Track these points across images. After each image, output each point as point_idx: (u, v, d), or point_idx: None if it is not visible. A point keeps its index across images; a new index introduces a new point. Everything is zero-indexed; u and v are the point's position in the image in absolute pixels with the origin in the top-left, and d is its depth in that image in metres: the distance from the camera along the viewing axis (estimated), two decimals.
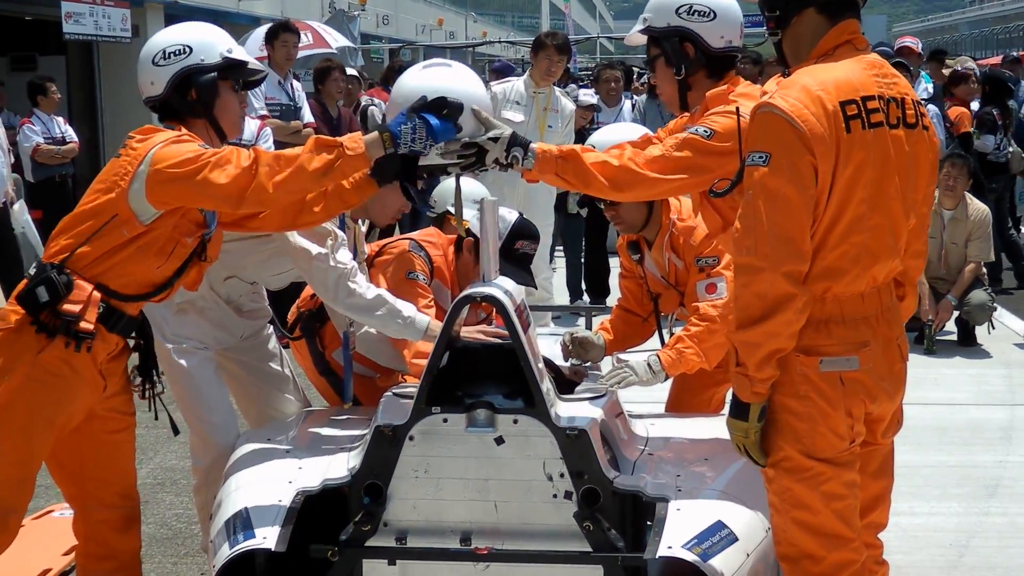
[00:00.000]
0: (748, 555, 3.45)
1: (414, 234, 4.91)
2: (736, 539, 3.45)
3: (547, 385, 3.64)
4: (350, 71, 12.03)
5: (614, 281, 5.51)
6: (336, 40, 17.12)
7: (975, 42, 68.93)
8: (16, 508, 3.77)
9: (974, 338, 8.92)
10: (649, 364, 4.39)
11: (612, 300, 5.53)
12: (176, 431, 4.17)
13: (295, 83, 9.70)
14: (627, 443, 3.93)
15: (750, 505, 3.58)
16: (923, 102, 3.91)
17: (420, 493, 3.59)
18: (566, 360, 4.60)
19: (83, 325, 3.65)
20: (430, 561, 3.59)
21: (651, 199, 4.55)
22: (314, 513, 3.66)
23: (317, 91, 10.27)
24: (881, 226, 3.19)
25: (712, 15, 3.94)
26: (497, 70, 14.00)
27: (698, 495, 3.62)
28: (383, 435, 3.60)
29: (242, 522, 3.59)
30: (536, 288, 5.56)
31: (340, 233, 4.31)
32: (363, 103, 12.33)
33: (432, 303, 4.52)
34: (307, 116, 9.60)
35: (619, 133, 4.80)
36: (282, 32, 9.62)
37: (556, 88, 9.09)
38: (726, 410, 3.34)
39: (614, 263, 5.86)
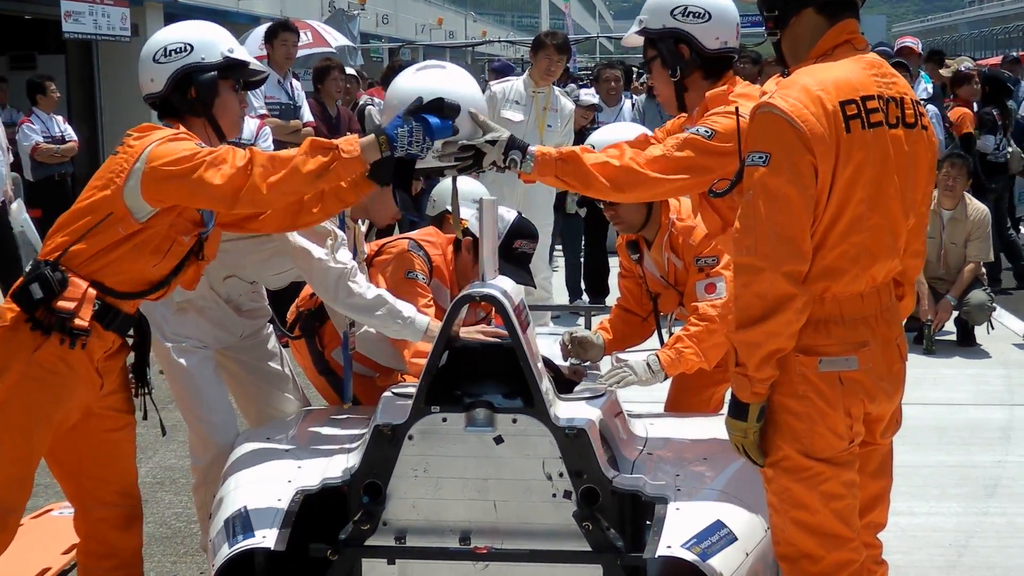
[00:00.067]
0: (747, 554, 3.45)
1: (413, 233, 4.91)
2: (735, 539, 3.45)
3: (546, 385, 3.64)
4: (349, 70, 12.04)
5: (613, 281, 5.52)
6: (336, 39, 17.13)
7: (974, 42, 68.94)
8: (15, 507, 3.77)
9: (973, 338, 8.92)
10: (648, 364, 4.39)
11: (611, 300, 5.53)
12: (164, 431, 4.15)
13: (294, 82, 9.70)
14: (626, 443, 3.93)
15: (749, 505, 3.58)
16: (922, 102, 3.91)
17: (419, 492, 3.59)
18: (565, 360, 4.60)
19: (78, 322, 3.64)
20: (429, 560, 3.59)
21: (652, 200, 4.55)
22: (313, 512, 3.66)
23: (316, 90, 10.26)
24: (880, 226, 3.19)
25: (707, 16, 3.94)
26: (497, 70, 13.99)
27: (697, 495, 3.62)
28: (382, 434, 3.60)
29: (241, 521, 3.59)
30: (535, 287, 5.56)
31: (340, 233, 4.31)
32: (362, 102, 12.33)
33: (431, 302, 4.52)
34: (307, 115, 9.59)
35: (618, 133, 4.80)
36: (281, 31, 9.62)
37: (555, 88, 9.08)
38: (725, 410, 3.34)
39: (613, 263, 5.86)
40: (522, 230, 4.76)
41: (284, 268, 4.42)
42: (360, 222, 4.66)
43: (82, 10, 16.24)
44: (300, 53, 10.91)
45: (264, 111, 9.10)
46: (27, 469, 3.76)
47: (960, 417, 7.05)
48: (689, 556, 3.35)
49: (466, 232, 4.68)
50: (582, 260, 10.43)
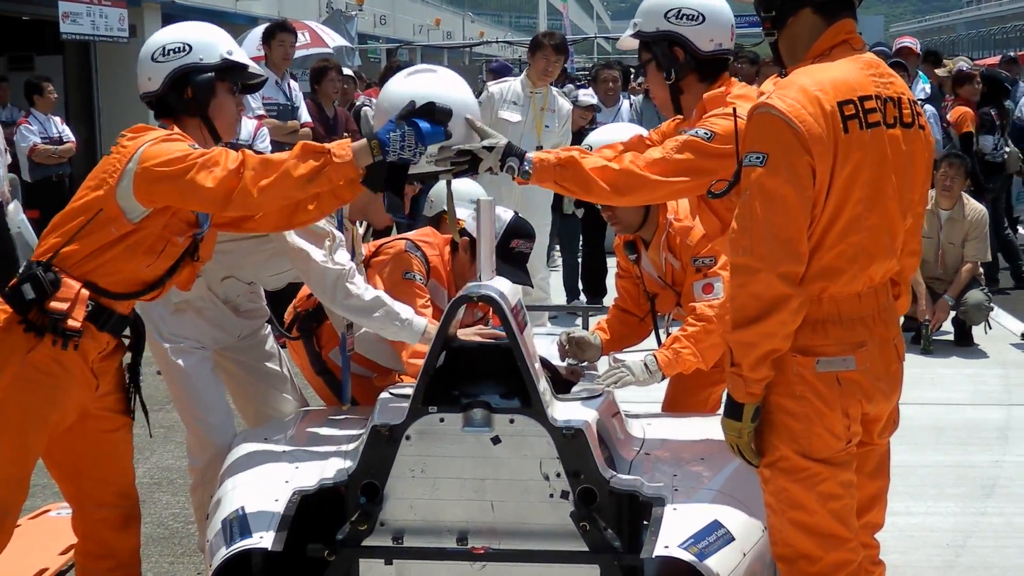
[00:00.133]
0: (744, 555, 3.45)
1: (410, 234, 4.91)
2: (733, 539, 3.45)
3: (544, 385, 3.64)
4: (347, 71, 12.04)
5: (611, 281, 5.52)
6: (333, 40, 17.12)
7: (972, 42, 68.94)
8: (11, 509, 3.77)
9: (971, 338, 8.92)
10: (646, 364, 4.39)
11: (609, 300, 5.54)
12: (151, 433, 4.13)
13: (292, 83, 9.69)
14: (624, 443, 3.93)
15: (747, 505, 3.58)
16: (920, 102, 3.92)
17: (417, 493, 3.59)
18: (563, 360, 4.60)
19: (71, 323, 3.64)
20: (427, 561, 3.59)
21: (652, 203, 4.55)
22: (311, 513, 3.66)
23: (313, 91, 10.26)
24: (878, 226, 3.19)
25: (701, 19, 3.94)
26: (495, 70, 14.01)
27: (695, 495, 3.62)
28: (380, 435, 3.60)
29: (239, 522, 3.59)
30: (533, 287, 5.57)
31: (338, 234, 4.31)
32: (359, 103, 12.33)
33: (429, 303, 4.52)
34: (304, 116, 9.59)
35: (616, 133, 4.80)
36: (279, 32, 9.61)
37: (553, 88, 9.09)
38: (723, 410, 3.34)
39: (611, 263, 5.86)
40: (519, 230, 4.76)
41: (282, 269, 4.42)
42: (358, 224, 4.66)
43: (80, 11, 16.25)
44: (298, 54, 10.91)
45: (262, 112, 9.09)
46: (23, 470, 3.76)
47: (958, 417, 7.05)
48: (686, 556, 3.35)
49: (463, 232, 4.68)
50: (580, 260, 10.43)
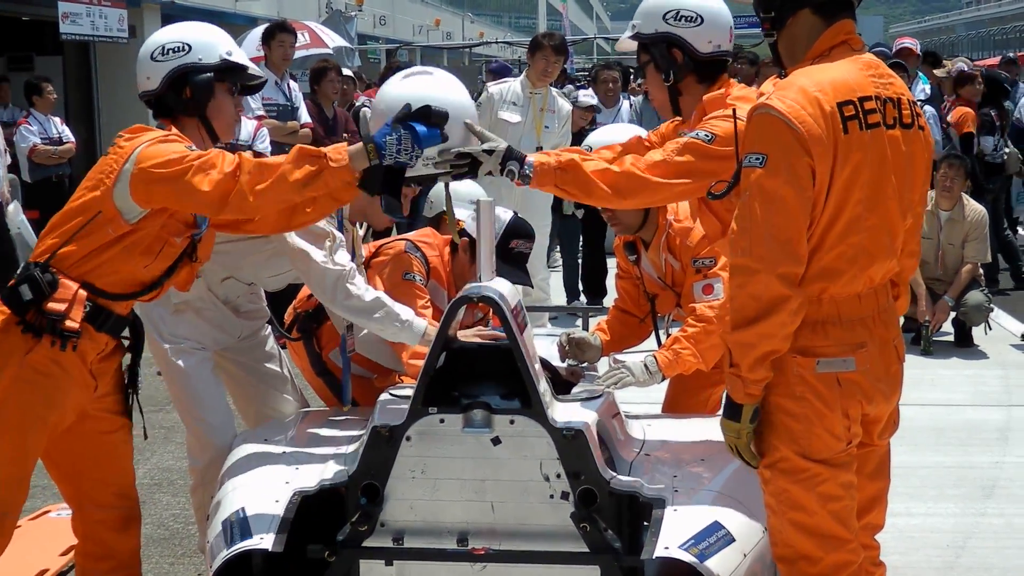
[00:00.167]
0: (745, 555, 3.45)
1: (410, 235, 4.91)
2: (733, 540, 3.45)
3: (544, 386, 3.64)
4: (347, 71, 12.04)
5: (611, 282, 5.51)
6: (333, 40, 17.12)
7: (972, 43, 68.92)
8: (11, 510, 3.76)
9: (971, 339, 8.92)
10: (646, 365, 4.39)
11: (609, 301, 5.53)
12: (145, 435, 4.12)
13: (292, 83, 9.69)
14: (624, 444, 3.93)
15: (747, 506, 3.58)
16: (920, 103, 3.92)
17: (417, 494, 3.59)
18: (563, 361, 4.60)
19: (68, 324, 3.63)
20: (427, 561, 3.59)
21: (653, 205, 4.54)
22: (311, 514, 3.66)
23: (313, 91, 10.26)
24: (878, 226, 3.19)
25: (699, 20, 3.94)
26: (495, 71, 14.02)
27: (695, 496, 3.62)
28: (380, 436, 3.60)
29: (239, 522, 3.59)
30: (532, 287, 5.57)
31: (338, 234, 4.31)
32: (359, 104, 12.33)
33: (429, 304, 4.52)
34: (304, 116, 9.59)
35: (616, 134, 4.80)
36: (279, 32, 9.61)
37: (553, 89, 9.09)
38: (722, 410, 3.34)
39: (611, 264, 5.86)
40: (518, 230, 4.75)
41: (282, 270, 4.42)
42: (358, 225, 4.66)
43: (79, 11, 16.26)
44: (297, 54, 10.92)
45: (261, 112, 9.09)
46: (23, 471, 3.75)
47: (958, 418, 7.05)
48: (687, 557, 3.35)
49: (463, 233, 4.68)
50: (580, 261, 10.43)
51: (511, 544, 3.56)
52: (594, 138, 5.02)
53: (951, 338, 8.98)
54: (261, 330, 4.63)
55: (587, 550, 3.51)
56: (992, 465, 6.20)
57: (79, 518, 4.01)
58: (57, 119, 12.38)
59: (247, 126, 8.63)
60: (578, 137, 8.71)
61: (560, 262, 10.77)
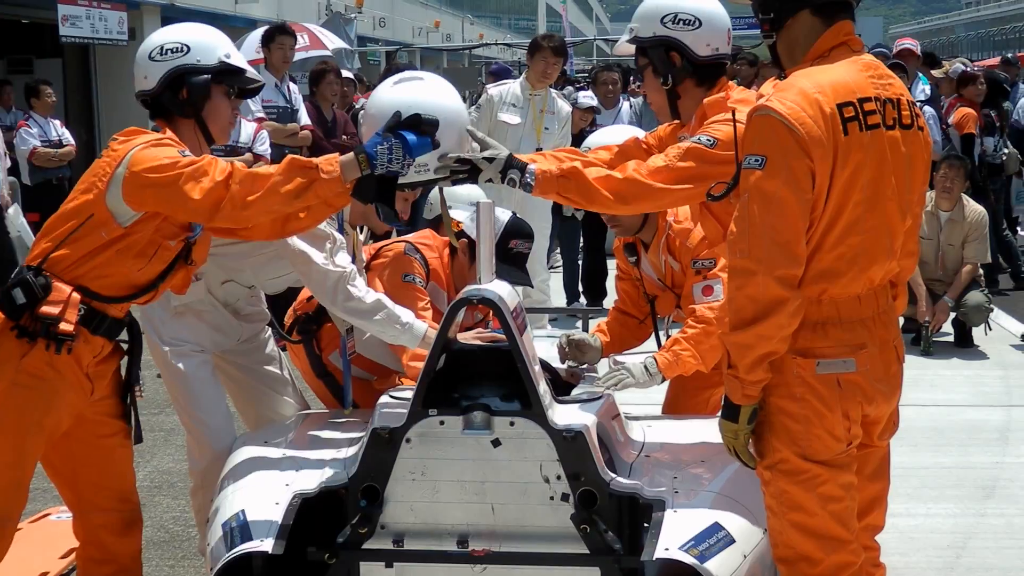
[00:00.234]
0: (745, 557, 3.45)
1: (409, 236, 4.91)
2: (733, 541, 3.45)
3: (544, 387, 3.64)
4: (346, 74, 12.05)
5: (611, 283, 5.52)
6: (332, 42, 17.12)
7: (971, 44, 68.96)
8: (11, 516, 3.76)
9: (971, 339, 8.92)
10: (646, 366, 4.39)
11: (609, 302, 5.53)
12: (140, 439, 4.11)
13: (292, 85, 9.70)
14: (624, 445, 3.93)
15: (747, 507, 3.58)
16: (920, 103, 3.92)
17: (417, 495, 3.59)
18: (563, 362, 4.60)
19: (63, 327, 3.62)
20: (427, 563, 3.59)
21: (656, 210, 4.54)
22: (311, 516, 3.66)
23: (312, 93, 10.26)
24: (878, 227, 3.19)
25: (697, 24, 3.93)
26: (495, 73, 14.01)
27: (695, 497, 3.62)
28: (380, 438, 3.60)
29: (239, 525, 3.59)
30: (532, 286, 5.57)
31: (339, 236, 4.30)
32: (359, 106, 12.32)
33: (429, 305, 4.52)
34: (304, 118, 9.59)
35: (615, 136, 4.80)
36: (278, 35, 9.61)
37: (552, 90, 9.09)
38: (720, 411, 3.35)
39: (611, 265, 5.86)
40: (517, 230, 4.75)
41: (282, 272, 4.42)
42: (358, 229, 4.66)
43: (79, 14, 16.27)
44: (297, 56, 10.92)
45: (261, 114, 9.10)
46: (21, 476, 3.74)
47: (958, 418, 7.05)
48: (687, 558, 3.35)
49: (461, 235, 4.68)
50: (580, 263, 10.43)
51: (511, 546, 3.56)
52: (593, 140, 5.02)
53: (951, 339, 8.98)
54: (261, 333, 4.63)
55: (587, 551, 3.51)
56: (992, 465, 6.20)
57: (80, 522, 4.00)
58: (57, 122, 12.39)
59: (247, 128, 8.63)
60: (578, 139, 8.71)
61: (560, 264, 10.77)
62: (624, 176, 3.74)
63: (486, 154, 3.80)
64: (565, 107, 9.09)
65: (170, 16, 18.68)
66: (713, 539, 3.43)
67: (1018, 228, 12.93)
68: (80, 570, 4.07)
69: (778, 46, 3.37)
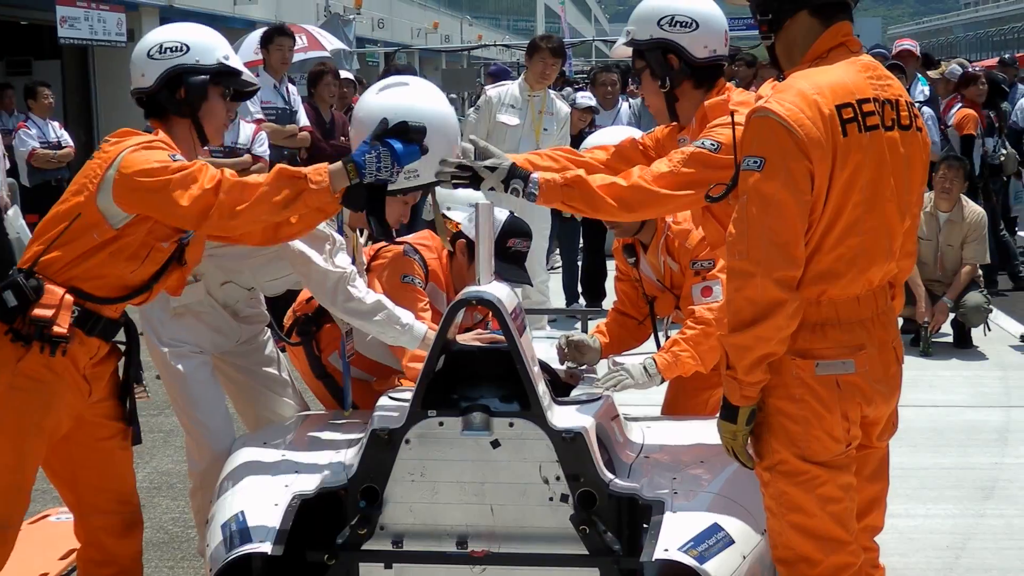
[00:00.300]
0: (744, 557, 3.45)
1: (409, 237, 4.91)
2: (732, 541, 3.45)
3: (543, 388, 3.64)
4: (345, 75, 12.05)
5: (610, 284, 5.52)
6: (331, 43, 17.11)
7: (970, 44, 68.98)
8: (12, 521, 3.75)
9: (970, 340, 8.93)
10: (645, 367, 4.39)
11: (608, 303, 5.53)
12: (139, 440, 4.10)
13: (290, 87, 9.69)
14: (623, 446, 3.93)
15: (746, 508, 3.58)
16: (918, 104, 3.92)
17: (416, 496, 3.59)
18: (562, 363, 4.60)
19: (56, 329, 3.61)
20: (426, 564, 3.59)
21: (660, 216, 4.54)
22: (311, 517, 3.66)
23: (310, 95, 10.26)
24: (877, 228, 3.20)
25: (694, 26, 3.93)
26: (493, 74, 14.03)
27: (694, 498, 3.62)
28: (379, 439, 3.60)
29: (239, 526, 3.59)
30: (532, 284, 5.56)
31: (338, 237, 4.30)
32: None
33: (428, 306, 4.52)
34: (303, 119, 9.59)
35: (613, 136, 4.79)
36: (277, 36, 9.61)
37: (551, 91, 9.09)
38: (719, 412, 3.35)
39: (610, 266, 5.86)
40: (515, 229, 4.74)
41: (281, 274, 4.42)
42: (358, 231, 4.66)
43: (78, 15, 16.27)
44: (295, 57, 10.92)
45: (260, 116, 9.10)
46: (22, 479, 3.74)
47: (957, 419, 7.05)
48: (686, 559, 3.35)
49: (459, 235, 4.68)
50: (579, 264, 10.43)
51: (510, 547, 3.56)
52: (592, 141, 5.02)
53: (950, 339, 8.98)
54: (260, 334, 4.63)
55: (586, 552, 3.51)
56: (991, 466, 6.20)
57: (80, 524, 4.00)
58: (56, 123, 12.39)
59: (246, 129, 8.64)
60: (577, 139, 8.71)
61: (559, 265, 10.77)
62: (629, 183, 3.73)
63: (488, 163, 3.79)
64: (564, 108, 9.09)
65: (168, 17, 18.69)
66: (712, 540, 3.43)
67: (1017, 229, 12.93)
68: (81, 571, 4.07)
69: (776, 47, 3.37)
